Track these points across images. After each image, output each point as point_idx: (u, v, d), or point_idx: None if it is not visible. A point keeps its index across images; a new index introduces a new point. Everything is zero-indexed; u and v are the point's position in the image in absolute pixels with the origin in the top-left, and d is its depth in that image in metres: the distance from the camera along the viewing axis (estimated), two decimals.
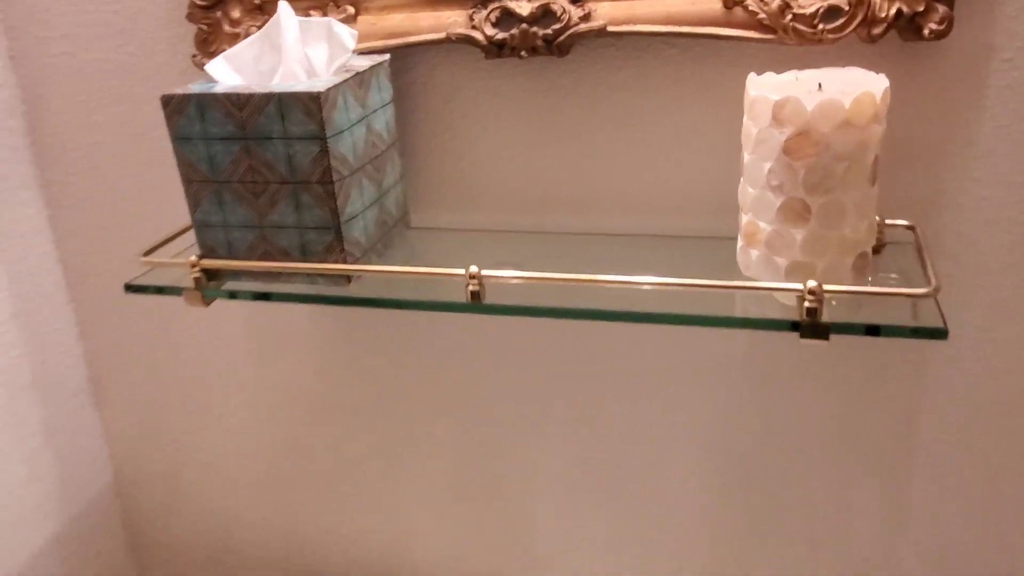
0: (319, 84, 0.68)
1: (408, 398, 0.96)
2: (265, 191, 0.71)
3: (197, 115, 0.70)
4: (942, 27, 0.65)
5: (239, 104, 0.68)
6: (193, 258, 0.74)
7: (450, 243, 0.84)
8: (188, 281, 0.75)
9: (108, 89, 0.91)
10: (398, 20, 0.78)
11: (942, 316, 0.61)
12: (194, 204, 0.73)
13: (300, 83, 0.70)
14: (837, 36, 0.68)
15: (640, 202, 0.80)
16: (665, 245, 0.78)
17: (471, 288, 0.68)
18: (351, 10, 0.79)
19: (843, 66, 0.66)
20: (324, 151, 0.68)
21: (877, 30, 0.67)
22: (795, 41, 0.69)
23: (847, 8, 0.67)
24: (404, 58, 0.80)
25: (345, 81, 0.70)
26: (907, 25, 0.66)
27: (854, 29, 0.67)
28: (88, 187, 0.97)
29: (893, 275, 0.69)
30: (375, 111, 0.75)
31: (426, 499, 1.00)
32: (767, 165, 0.64)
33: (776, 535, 0.89)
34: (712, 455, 0.88)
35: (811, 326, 0.61)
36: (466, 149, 0.83)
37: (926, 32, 0.66)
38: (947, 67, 0.69)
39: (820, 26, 0.68)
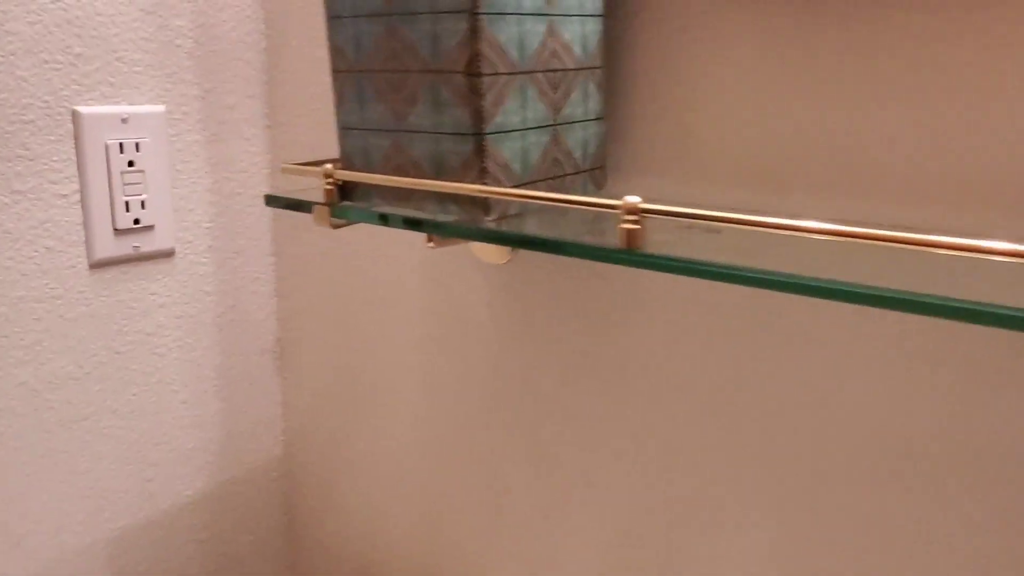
0: None
1: (580, 414, 0.75)
2: (406, 83, 0.57)
3: None
4: None
5: None
6: (328, 167, 0.63)
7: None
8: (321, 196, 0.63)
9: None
10: None
11: None
12: (338, 101, 0.62)
13: None
14: None
15: (929, 182, 0.54)
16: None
17: (626, 226, 0.48)
18: None
19: None
20: (474, 31, 0.53)
21: None
22: None
23: None
24: None
25: None
26: None
27: None
28: (310, 131, 0.92)
29: None
30: (569, 16, 0.59)
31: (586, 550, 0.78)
32: None
33: None
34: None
35: None
36: (696, 96, 0.63)
37: None
38: None
39: None
